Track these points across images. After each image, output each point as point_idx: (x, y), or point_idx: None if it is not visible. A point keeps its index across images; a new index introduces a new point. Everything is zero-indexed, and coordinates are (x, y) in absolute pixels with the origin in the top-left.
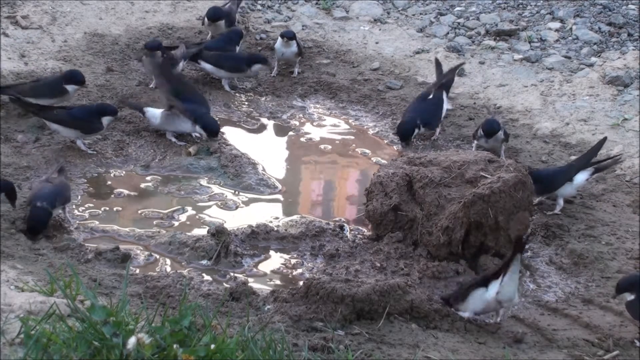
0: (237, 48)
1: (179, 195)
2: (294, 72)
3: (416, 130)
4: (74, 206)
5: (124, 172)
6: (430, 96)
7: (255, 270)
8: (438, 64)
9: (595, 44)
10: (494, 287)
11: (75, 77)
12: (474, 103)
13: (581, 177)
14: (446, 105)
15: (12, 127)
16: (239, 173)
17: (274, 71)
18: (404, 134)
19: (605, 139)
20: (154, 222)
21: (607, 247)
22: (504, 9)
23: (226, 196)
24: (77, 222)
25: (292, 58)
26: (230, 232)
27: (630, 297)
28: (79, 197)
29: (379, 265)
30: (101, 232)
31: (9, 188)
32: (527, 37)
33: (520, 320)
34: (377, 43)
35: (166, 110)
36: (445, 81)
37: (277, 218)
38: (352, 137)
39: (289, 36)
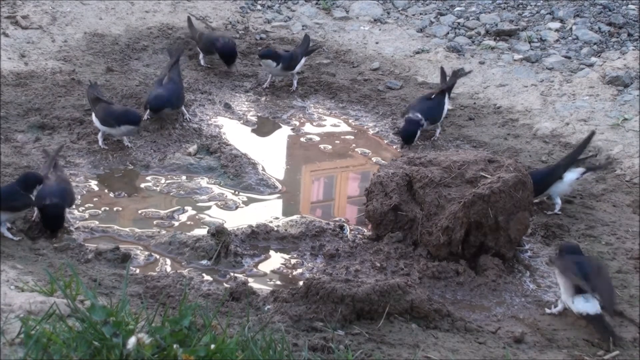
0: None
1: (179, 195)
2: (292, 86)
3: (424, 124)
4: (74, 206)
5: (123, 172)
6: (432, 96)
7: (255, 270)
8: (443, 73)
9: (595, 44)
10: None
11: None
12: (474, 103)
13: (571, 176)
14: (447, 106)
15: (12, 127)
16: (239, 173)
17: (266, 83)
18: (408, 134)
19: (593, 133)
20: (154, 222)
21: (607, 247)
22: (504, 9)
23: (226, 196)
24: (77, 222)
25: (280, 74)
26: (230, 232)
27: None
28: (79, 197)
29: (379, 265)
30: (101, 232)
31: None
32: (527, 37)
33: (520, 320)
34: (377, 43)
35: None
36: (447, 86)
37: (277, 218)
38: (352, 137)
39: (260, 55)
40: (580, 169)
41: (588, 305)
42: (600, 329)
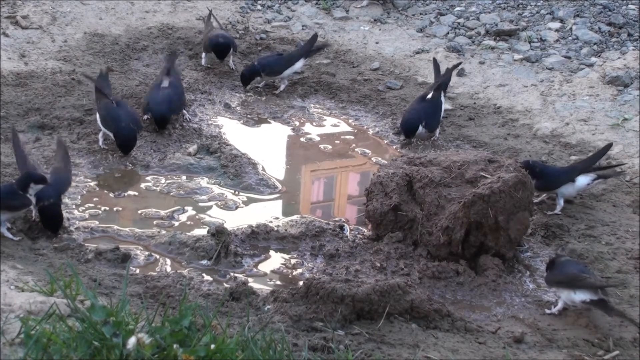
0: None
1: (179, 195)
2: (277, 89)
3: (420, 127)
4: (74, 206)
5: (123, 172)
6: (429, 97)
7: (255, 270)
8: (436, 65)
9: (595, 44)
10: None
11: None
12: (474, 103)
13: (583, 181)
14: (444, 106)
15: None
16: (239, 173)
17: (262, 83)
18: (409, 129)
19: (610, 145)
20: (154, 222)
21: (607, 247)
22: (504, 9)
23: (226, 196)
24: (77, 222)
25: (267, 80)
26: (230, 232)
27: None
28: (79, 197)
29: (379, 265)
30: (101, 232)
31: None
32: (527, 37)
33: (520, 320)
34: (377, 43)
35: None
36: (442, 81)
37: (277, 218)
38: (352, 137)
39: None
40: (592, 175)
41: (590, 293)
42: (607, 311)
